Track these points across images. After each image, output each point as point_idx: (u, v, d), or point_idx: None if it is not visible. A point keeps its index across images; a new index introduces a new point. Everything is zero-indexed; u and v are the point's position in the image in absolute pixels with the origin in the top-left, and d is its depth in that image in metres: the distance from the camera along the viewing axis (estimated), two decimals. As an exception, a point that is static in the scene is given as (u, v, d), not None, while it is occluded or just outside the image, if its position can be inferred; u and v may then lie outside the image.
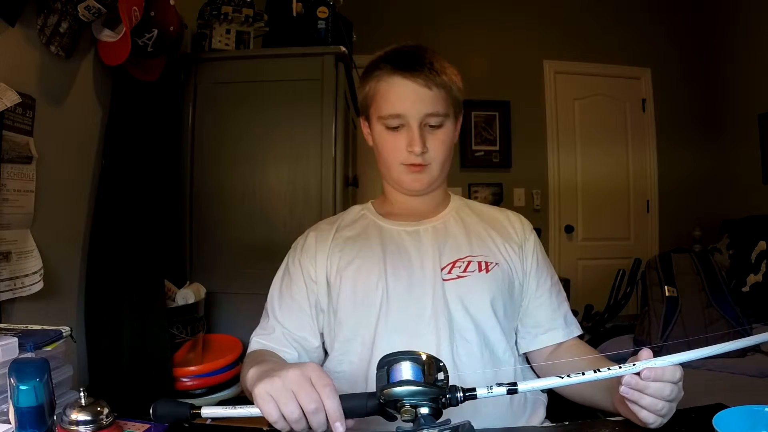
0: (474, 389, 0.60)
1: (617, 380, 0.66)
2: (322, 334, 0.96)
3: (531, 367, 0.98)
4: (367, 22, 2.89)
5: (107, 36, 1.36)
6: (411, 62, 0.92)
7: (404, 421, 0.56)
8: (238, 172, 1.88)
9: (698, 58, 3.85)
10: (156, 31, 1.43)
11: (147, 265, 1.51)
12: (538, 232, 1.10)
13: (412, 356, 0.59)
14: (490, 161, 3.81)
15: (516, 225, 1.01)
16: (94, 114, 1.47)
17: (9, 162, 1.10)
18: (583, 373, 0.62)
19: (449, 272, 0.91)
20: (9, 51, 1.13)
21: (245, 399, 1.57)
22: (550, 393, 0.95)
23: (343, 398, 0.64)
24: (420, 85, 0.91)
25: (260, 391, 0.62)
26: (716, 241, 3.12)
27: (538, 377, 0.95)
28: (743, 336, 0.67)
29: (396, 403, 0.57)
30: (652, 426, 0.66)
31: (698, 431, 0.67)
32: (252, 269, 1.81)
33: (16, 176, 1.13)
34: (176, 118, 1.86)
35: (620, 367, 0.63)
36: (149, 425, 0.71)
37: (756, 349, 2.05)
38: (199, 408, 0.64)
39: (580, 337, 0.98)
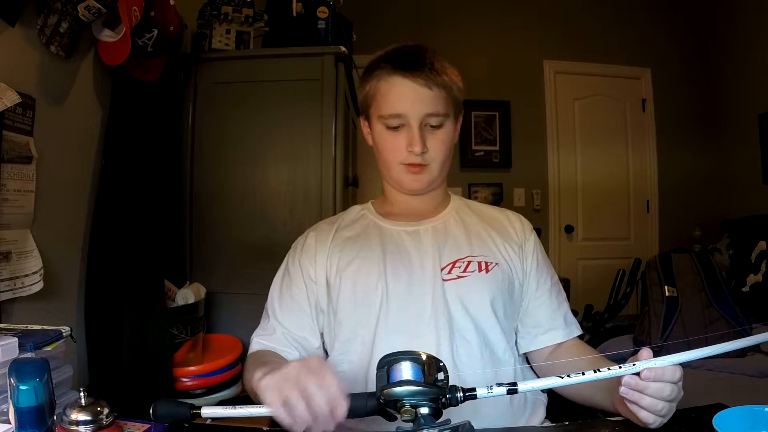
0: (474, 389, 0.60)
1: (617, 380, 0.66)
2: (322, 335, 0.96)
3: (531, 367, 0.98)
4: (367, 22, 2.89)
5: (107, 36, 1.36)
6: (412, 62, 0.92)
7: (404, 421, 0.56)
8: (238, 172, 1.88)
9: (698, 58, 3.85)
10: (156, 31, 1.43)
11: (147, 265, 1.51)
12: (538, 232, 1.10)
13: (412, 356, 0.59)
14: (490, 161, 3.81)
15: (516, 225, 1.01)
16: (94, 114, 1.47)
17: (9, 162, 1.10)
18: (583, 373, 0.62)
19: (449, 272, 0.91)
20: (9, 51, 1.12)
21: (245, 399, 1.57)
22: (550, 393, 0.95)
23: (343, 398, 0.64)
24: (420, 85, 0.91)
25: (266, 383, 0.63)
26: (716, 241, 3.12)
27: (538, 377, 0.95)
28: (743, 336, 0.67)
29: (396, 403, 0.57)
30: (652, 426, 0.66)
31: (698, 431, 0.67)
32: (252, 269, 1.81)
33: (16, 176, 1.13)
34: (176, 118, 1.86)
35: (620, 367, 0.63)
36: (149, 425, 0.71)
37: (756, 349, 2.05)
38: (199, 408, 0.64)
39: (580, 337, 0.98)
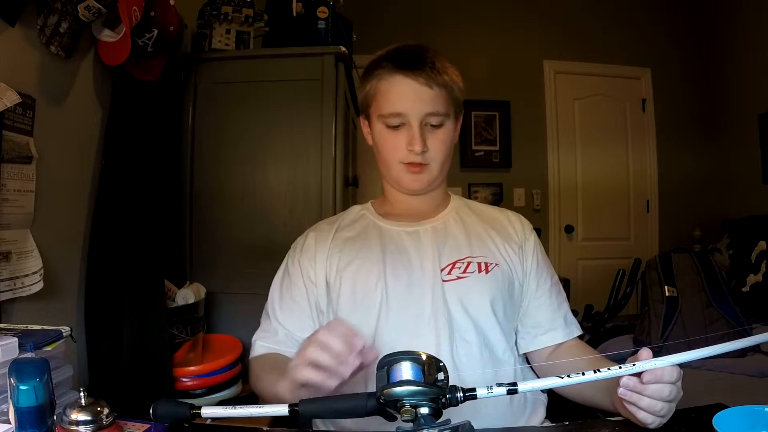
0: (474, 389, 0.60)
1: (617, 380, 0.67)
2: None
3: (531, 367, 0.98)
4: (367, 22, 2.89)
5: (107, 36, 1.36)
6: (412, 61, 0.92)
7: (404, 421, 0.56)
8: (238, 172, 1.88)
9: (698, 58, 3.85)
10: (156, 31, 1.43)
11: (147, 265, 1.51)
12: (538, 232, 1.10)
13: (412, 356, 0.59)
14: (490, 161, 3.81)
15: (516, 225, 1.01)
16: (94, 114, 1.47)
17: (9, 162, 1.10)
18: (583, 374, 0.62)
19: (449, 273, 0.91)
20: (9, 51, 1.12)
21: (245, 399, 1.57)
22: (550, 393, 0.95)
23: (343, 398, 0.64)
24: (421, 84, 0.91)
25: (291, 364, 0.69)
26: (716, 241, 3.12)
27: (538, 377, 0.95)
28: (743, 336, 0.67)
29: (396, 403, 0.57)
30: (652, 426, 0.66)
31: (698, 431, 0.67)
32: (252, 269, 1.81)
33: (16, 176, 1.13)
34: (176, 118, 1.86)
35: (620, 367, 0.63)
36: (149, 425, 0.71)
37: (756, 349, 2.05)
38: (199, 408, 0.64)
39: (580, 337, 0.98)
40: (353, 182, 2.17)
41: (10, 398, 0.64)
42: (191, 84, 1.89)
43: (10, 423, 0.65)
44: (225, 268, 1.88)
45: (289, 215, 1.85)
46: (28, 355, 0.71)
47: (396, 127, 0.93)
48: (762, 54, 3.24)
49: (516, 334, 0.97)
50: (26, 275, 1.14)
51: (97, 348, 1.40)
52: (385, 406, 0.59)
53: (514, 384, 0.61)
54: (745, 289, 2.57)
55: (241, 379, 1.68)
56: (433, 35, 3.40)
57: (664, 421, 0.66)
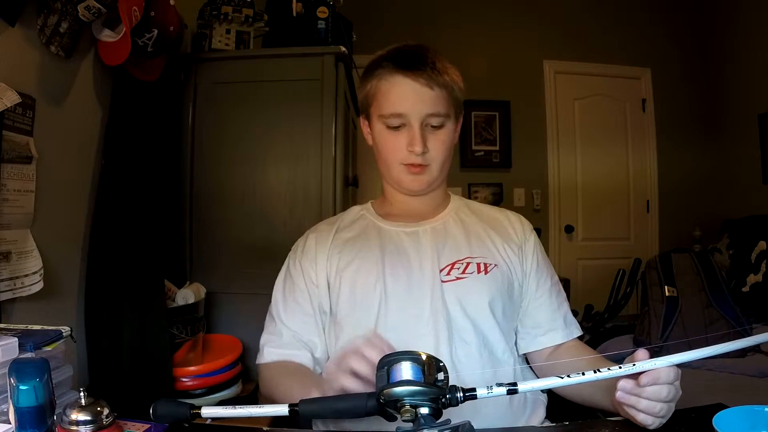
0: (474, 389, 0.60)
1: (616, 380, 0.66)
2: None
3: (530, 367, 0.98)
4: (367, 22, 2.89)
5: (107, 36, 1.36)
6: (413, 61, 0.92)
7: (404, 421, 0.56)
8: (238, 172, 1.88)
9: (698, 58, 3.85)
10: (156, 31, 1.43)
11: (147, 265, 1.51)
12: (538, 232, 1.10)
13: (412, 356, 0.60)
14: (490, 161, 3.81)
15: (516, 225, 1.01)
16: (94, 114, 1.47)
17: (9, 162, 1.10)
18: (583, 374, 0.62)
19: (448, 274, 0.91)
20: (9, 51, 1.12)
21: (245, 399, 1.58)
22: (550, 393, 0.95)
23: (343, 398, 0.64)
24: (422, 85, 0.91)
25: (325, 374, 0.75)
26: (716, 241, 3.12)
27: (538, 378, 0.95)
28: (743, 336, 0.67)
29: (396, 403, 0.57)
30: (652, 427, 0.66)
31: (698, 431, 0.67)
32: (252, 269, 1.81)
33: (16, 176, 1.13)
34: (176, 118, 1.86)
35: (620, 368, 0.63)
36: (149, 425, 0.71)
37: (756, 349, 2.05)
38: (199, 408, 0.64)
39: (580, 337, 0.98)
40: (353, 182, 2.16)
41: (10, 398, 0.64)
42: (191, 84, 1.89)
43: (10, 423, 0.65)
44: (225, 268, 1.87)
45: (289, 215, 1.85)
46: (28, 355, 0.71)
47: (396, 128, 0.93)
48: (762, 54, 3.24)
49: (516, 334, 0.97)
50: (26, 275, 1.14)
51: (97, 348, 1.40)
52: (385, 406, 0.59)
53: (514, 384, 0.61)
54: (745, 289, 2.57)
55: (241, 379, 1.68)
56: (433, 35, 3.40)
57: (664, 421, 0.66)
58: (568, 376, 0.62)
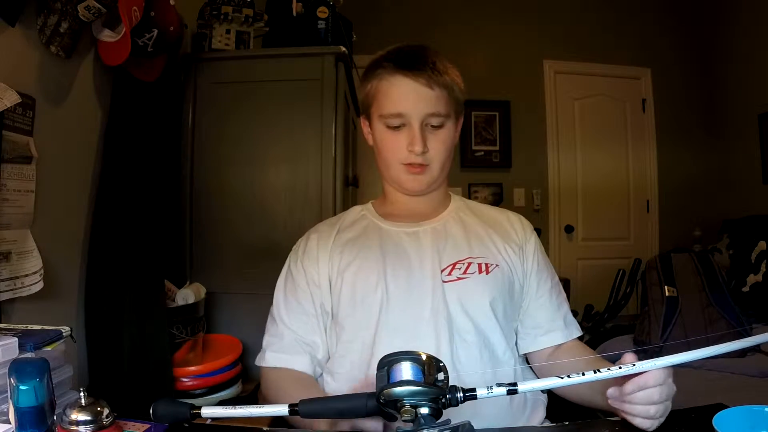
0: (474, 389, 0.60)
1: (612, 382, 0.67)
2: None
3: (530, 367, 0.98)
4: (367, 22, 2.89)
5: (107, 36, 1.36)
6: (414, 61, 0.92)
7: (404, 421, 0.56)
8: (238, 172, 1.88)
9: (698, 58, 3.85)
10: (156, 31, 1.43)
11: (147, 265, 1.51)
12: (538, 232, 1.10)
13: (412, 356, 0.60)
14: (490, 161, 3.82)
15: (516, 226, 1.01)
16: (94, 114, 1.47)
17: (9, 162, 1.10)
18: (583, 374, 0.62)
19: (449, 274, 0.91)
20: (9, 51, 1.12)
21: (245, 399, 1.58)
22: (550, 393, 0.95)
23: (344, 398, 0.64)
24: (422, 85, 0.91)
25: None
26: (716, 241, 3.12)
27: (538, 378, 0.95)
28: (743, 336, 0.67)
29: (396, 403, 0.57)
30: (650, 429, 0.66)
31: (698, 431, 0.67)
32: (252, 269, 1.81)
33: (16, 176, 1.13)
34: (176, 118, 1.86)
35: (620, 368, 0.63)
36: (149, 425, 0.71)
37: (756, 349, 2.05)
38: (199, 408, 0.64)
39: (580, 338, 0.98)
40: (353, 182, 2.17)
41: (10, 398, 0.64)
42: (191, 84, 1.89)
43: (10, 423, 0.65)
44: (225, 268, 1.88)
45: (289, 215, 1.85)
46: (28, 355, 0.71)
47: (397, 128, 0.93)
48: (762, 54, 3.24)
49: (516, 334, 0.97)
50: (26, 275, 1.14)
51: (97, 348, 1.40)
52: (385, 406, 0.59)
53: (514, 384, 0.61)
54: (745, 289, 2.57)
55: (241, 379, 1.68)
56: (433, 35, 3.40)
57: (663, 419, 0.66)
58: (568, 376, 0.62)
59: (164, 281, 1.59)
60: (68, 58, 1.30)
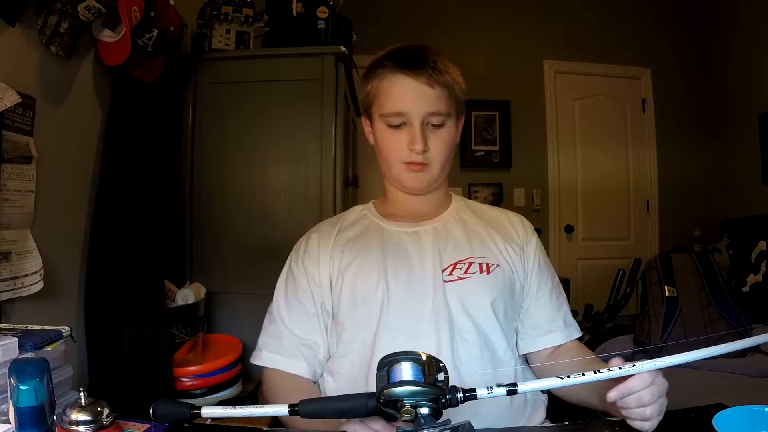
0: (474, 389, 0.60)
1: (607, 384, 0.67)
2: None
3: (530, 367, 0.98)
4: (367, 22, 2.89)
5: (107, 36, 1.36)
6: (414, 61, 0.92)
7: (404, 421, 0.56)
8: (238, 172, 1.88)
9: (698, 58, 3.85)
10: (156, 31, 1.43)
11: (147, 265, 1.50)
12: (538, 232, 1.10)
13: (412, 356, 0.60)
14: (490, 161, 3.82)
15: (517, 226, 1.01)
16: (94, 114, 1.47)
17: (9, 162, 1.10)
18: (583, 374, 0.62)
19: (450, 274, 0.91)
20: (9, 51, 1.12)
21: (245, 399, 1.57)
22: (550, 393, 0.95)
23: (344, 398, 0.64)
24: (423, 84, 0.91)
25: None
26: (716, 241, 3.12)
27: (538, 378, 0.95)
28: (743, 336, 0.67)
29: (396, 403, 0.57)
30: (650, 429, 0.67)
31: (698, 431, 0.67)
32: (252, 269, 1.81)
33: (16, 176, 1.13)
34: (176, 118, 1.86)
35: (620, 368, 0.63)
36: (149, 425, 0.71)
37: (756, 349, 2.05)
38: (199, 408, 0.64)
39: (579, 339, 0.98)
40: (353, 182, 2.17)
41: (10, 398, 0.64)
42: (191, 84, 1.89)
43: (10, 423, 0.65)
44: (225, 268, 1.87)
45: (289, 215, 1.85)
46: (28, 355, 0.71)
47: (397, 127, 0.93)
48: (762, 54, 3.23)
49: (516, 334, 0.97)
50: (26, 275, 1.14)
51: (97, 348, 1.40)
52: (385, 406, 0.59)
53: (514, 384, 0.61)
54: (745, 289, 2.57)
55: (241, 379, 1.68)
56: (433, 35, 3.40)
57: (661, 416, 0.67)
58: (568, 376, 0.62)
59: (164, 281, 1.59)
60: (68, 58, 1.30)
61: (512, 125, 3.81)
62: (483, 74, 3.67)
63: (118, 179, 1.47)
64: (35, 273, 1.17)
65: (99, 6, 1.25)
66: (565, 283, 3.21)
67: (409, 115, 0.92)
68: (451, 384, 0.60)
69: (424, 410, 0.56)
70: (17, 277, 1.12)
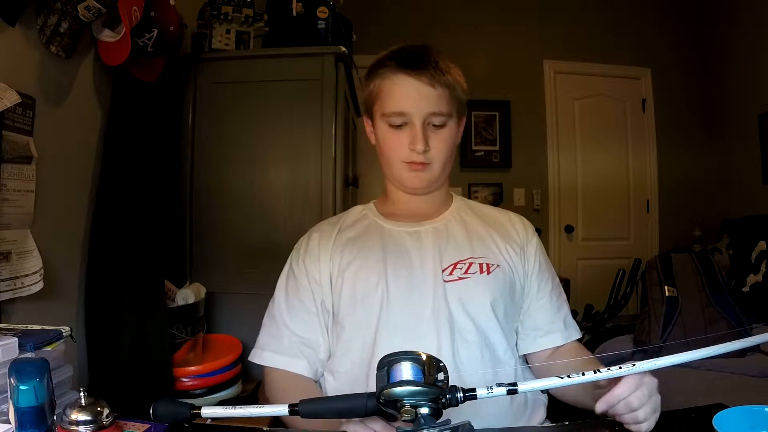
0: (474, 389, 0.60)
1: (602, 388, 0.67)
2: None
3: (530, 368, 0.98)
4: (367, 22, 2.89)
5: (107, 36, 1.36)
6: (416, 61, 0.92)
7: (404, 421, 0.56)
8: (238, 172, 1.88)
9: (698, 58, 3.85)
10: (156, 31, 1.43)
11: (147, 265, 1.51)
12: (538, 232, 1.10)
13: (412, 356, 0.59)
14: (490, 161, 3.82)
15: (518, 226, 1.01)
16: (94, 114, 1.47)
17: (9, 162, 1.10)
18: (583, 374, 0.62)
19: (450, 273, 0.91)
20: (9, 51, 1.12)
21: (245, 399, 1.57)
22: (550, 393, 0.95)
23: (343, 398, 0.64)
24: (424, 84, 0.91)
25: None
26: (716, 241, 3.12)
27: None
28: (743, 336, 0.67)
29: (396, 403, 0.57)
30: (647, 430, 0.67)
31: (698, 431, 0.67)
32: (252, 269, 1.81)
33: (16, 176, 1.13)
34: (176, 118, 1.86)
35: (620, 368, 0.63)
36: (149, 425, 0.71)
37: (756, 349, 2.05)
38: (199, 408, 0.64)
39: (579, 340, 0.98)
40: (353, 182, 2.17)
41: (10, 398, 0.64)
42: (191, 84, 1.89)
43: (10, 423, 0.65)
44: (225, 268, 1.87)
45: (289, 215, 1.85)
46: (28, 355, 0.71)
47: (399, 126, 0.93)
48: (762, 54, 3.23)
49: (516, 335, 0.97)
50: (26, 275, 1.14)
51: (97, 348, 1.40)
52: (385, 406, 0.59)
53: (514, 384, 0.61)
54: (745, 289, 2.57)
55: (241, 379, 1.68)
56: (433, 35, 3.40)
57: (657, 415, 0.67)
58: (568, 376, 0.62)
59: (164, 281, 1.59)
60: (68, 58, 1.30)
61: (512, 125, 3.81)
62: (483, 74, 3.66)
63: (118, 179, 1.47)
64: (35, 273, 1.17)
65: (99, 6, 1.25)
66: (565, 283, 3.21)
67: (411, 115, 0.92)
68: (451, 384, 0.60)
69: (424, 410, 0.56)
70: (17, 277, 1.12)
